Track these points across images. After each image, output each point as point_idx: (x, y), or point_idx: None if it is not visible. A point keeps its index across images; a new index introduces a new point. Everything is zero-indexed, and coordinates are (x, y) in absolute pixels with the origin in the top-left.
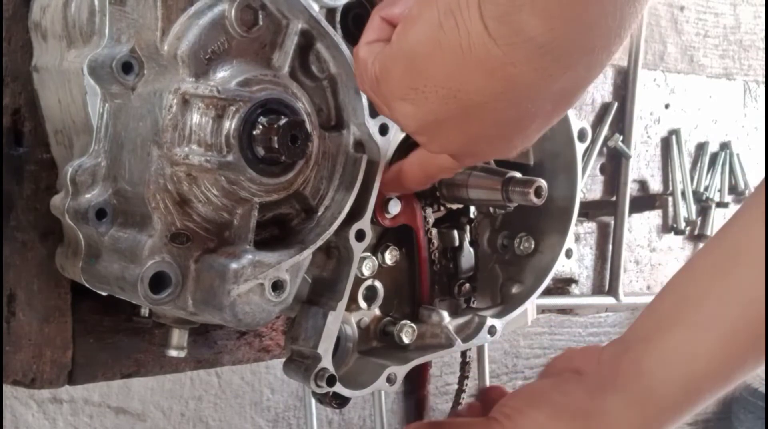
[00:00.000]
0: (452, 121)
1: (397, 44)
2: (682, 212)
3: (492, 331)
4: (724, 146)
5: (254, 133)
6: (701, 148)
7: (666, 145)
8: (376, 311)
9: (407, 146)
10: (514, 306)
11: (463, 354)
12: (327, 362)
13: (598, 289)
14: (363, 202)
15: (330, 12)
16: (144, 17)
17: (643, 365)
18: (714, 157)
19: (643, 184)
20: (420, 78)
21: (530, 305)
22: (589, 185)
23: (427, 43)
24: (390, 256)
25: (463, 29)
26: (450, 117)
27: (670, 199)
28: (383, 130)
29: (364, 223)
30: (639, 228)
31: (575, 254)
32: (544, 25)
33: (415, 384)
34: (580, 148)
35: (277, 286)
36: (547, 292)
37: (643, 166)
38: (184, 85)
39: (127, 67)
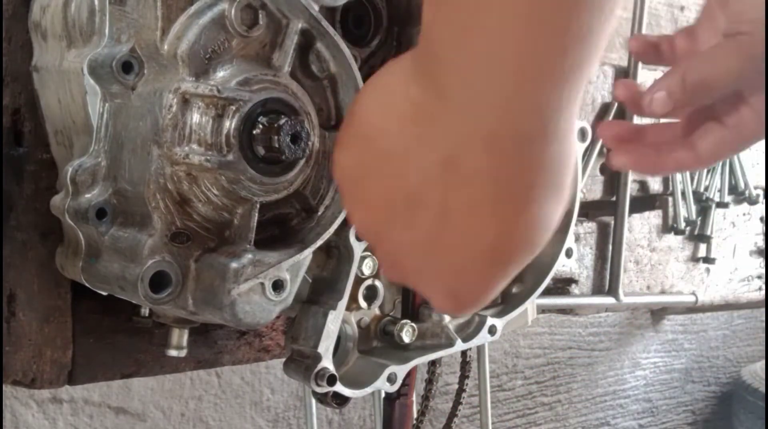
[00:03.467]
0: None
1: None
2: (682, 212)
3: (492, 330)
4: None
5: (254, 132)
6: None
7: None
8: (377, 311)
9: None
10: (514, 306)
11: (464, 354)
12: (327, 362)
13: (598, 289)
14: None
15: (330, 11)
16: (144, 17)
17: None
18: None
19: (643, 184)
20: None
21: (530, 305)
22: (589, 185)
23: None
24: None
25: None
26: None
27: (670, 199)
28: None
29: None
30: (639, 228)
31: (575, 254)
32: None
33: (399, 389)
34: (580, 147)
35: (278, 285)
36: (547, 292)
37: None
38: (185, 84)
39: (127, 67)
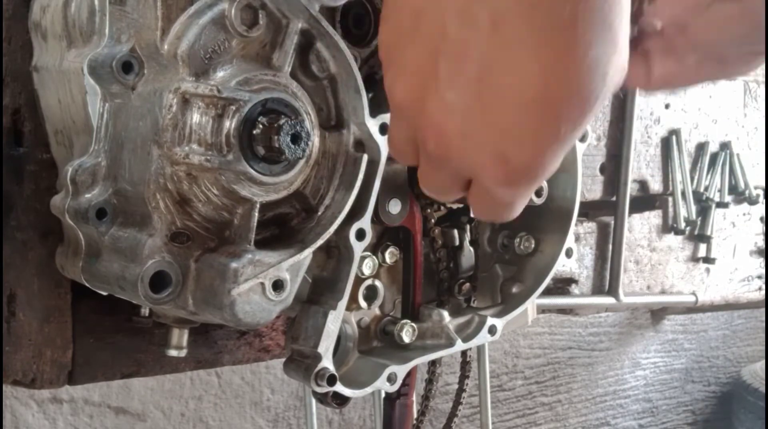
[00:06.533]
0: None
1: None
2: (682, 212)
3: (492, 330)
4: (724, 146)
5: (254, 132)
6: (701, 148)
7: (666, 145)
8: (377, 311)
9: None
10: (514, 306)
11: (464, 353)
12: (327, 362)
13: (598, 289)
14: (363, 201)
15: (330, 11)
16: (144, 17)
17: None
18: (714, 157)
19: (643, 184)
20: None
21: (530, 305)
22: (589, 185)
23: None
24: (390, 256)
25: None
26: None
27: (670, 199)
28: (383, 129)
29: (365, 222)
30: (639, 228)
31: (575, 254)
32: None
33: (399, 389)
34: (580, 148)
35: (278, 285)
36: (547, 292)
37: (643, 166)
38: (184, 84)
39: (127, 67)
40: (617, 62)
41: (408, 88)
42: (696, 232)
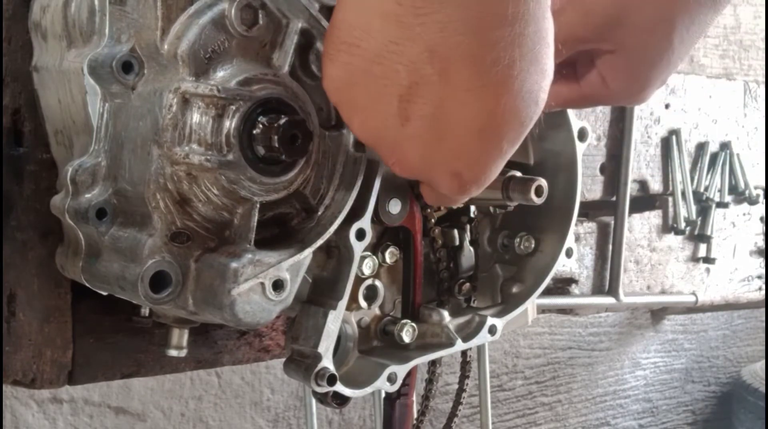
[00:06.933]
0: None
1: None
2: (682, 212)
3: (492, 330)
4: (724, 146)
5: (254, 132)
6: (701, 148)
7: (666, 145)
8: (377, 310)
9: None
10: (514, 305)
11: (464, 353)
12: (327, 362)
13: (598, 289)
14: (363, 201)
15: (330, 11)
16: (144, 17)
17: None
18: (714, 157)
19: (643, 184)
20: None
21: (530, 305)
22: (589, 185)
23: None
24: (390, 256)
25: None
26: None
27: (670, 199)
28: None
29: (365, 222)
30: (639, 228)
31: (575, 254)
32: None
33: (399, 389)
34: (580, 147)
35: (278, 285)
36: (547, 292)
37: (643, 166)
38: (184, 84)
39: (127, 67)
40: (546, 85)
41: (365, 123)
42: (696, 232)
